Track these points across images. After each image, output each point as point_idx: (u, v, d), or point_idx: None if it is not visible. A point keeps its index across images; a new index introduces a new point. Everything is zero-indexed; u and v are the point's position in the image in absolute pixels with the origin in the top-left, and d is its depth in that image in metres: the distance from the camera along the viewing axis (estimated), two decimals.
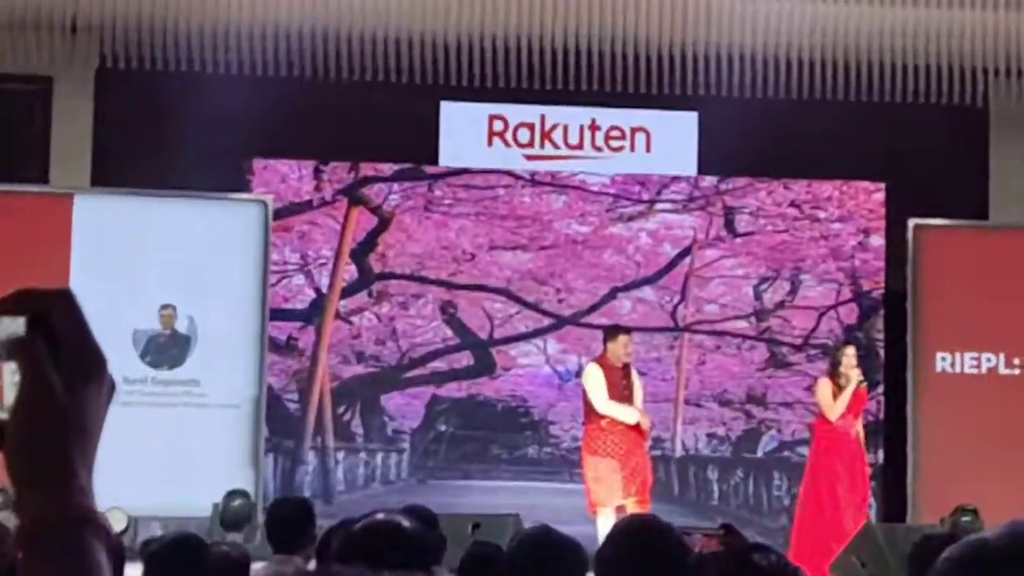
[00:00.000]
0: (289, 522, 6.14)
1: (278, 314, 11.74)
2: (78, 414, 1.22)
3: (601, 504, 9.80)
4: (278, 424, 11.69)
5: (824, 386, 10.19)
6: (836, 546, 9.58)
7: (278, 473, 11.71)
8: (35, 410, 1.21)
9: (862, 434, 10.29)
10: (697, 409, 12.18)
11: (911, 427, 11.50)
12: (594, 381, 9.99)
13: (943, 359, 11.62)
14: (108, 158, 11.64)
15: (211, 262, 11.10)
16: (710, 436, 12.21)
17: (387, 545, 3.23)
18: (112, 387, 1.31)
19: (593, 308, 12.13)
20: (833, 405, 10.04)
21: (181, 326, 11.12)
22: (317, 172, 12.11)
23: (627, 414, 9.91)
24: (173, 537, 5.35)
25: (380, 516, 3.46)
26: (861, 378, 10.12)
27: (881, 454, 11.76)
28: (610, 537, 3.64)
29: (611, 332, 10.31)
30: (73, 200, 11.13)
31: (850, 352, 10.24)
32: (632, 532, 3.64)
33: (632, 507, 9.68)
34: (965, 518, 9.87)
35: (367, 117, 11.77)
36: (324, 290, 12.01)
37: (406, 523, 3.42)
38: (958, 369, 11.62)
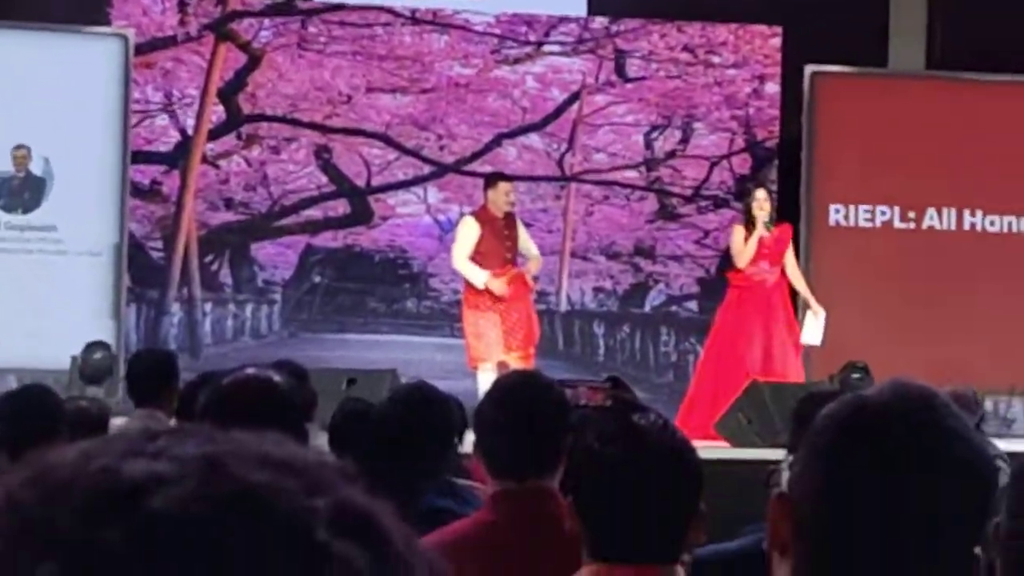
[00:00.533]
0: (151, 375, 6.20)
1: (140, 157, 11.36)
2: None
3: (481, 359, 9.64)
4: (141, 273, 11.38)
5: (736, 232, 9.93)
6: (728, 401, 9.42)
7: (141, 325, 11.41)
8: None
9: (784, 282, 9.98)
10: (583, 262, 12.01)
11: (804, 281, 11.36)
12: (462, 234, 9.81)
13: (837, 211, 11.58)
14: None
15: (68, 100, 10.73)
16: (596, 290, 12.07)
17: (256, 401, 3.12)
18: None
19: (476, 155, 11.85)
20: (743, 250, 9.76)
21: (36, 168, 10.78)
22: (182, 5, 11.61)
23: (476, 276, 9.64)
24: (24, 389, 5.33)
25: (249, 371, 3.38)
26: (767, 219, 9.82)
27: None
28: (488, 394, 3.62)
29: (491, 180, 10.05)
30: None
31: (759, 194, 9.97)
32: (512, 388, 3.61)
33: (515, 362, 9.51)
34: (855, 375, 9.76)
35: None
36: (190, 132, 11.60)
37: (276, 378, 3.31)
38: (852, 222, 11.61)
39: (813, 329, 10.03)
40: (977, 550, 1.66)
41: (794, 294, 10.51)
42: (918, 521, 1.60)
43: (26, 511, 0.71)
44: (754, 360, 9.69)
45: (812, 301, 10.13)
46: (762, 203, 9.85)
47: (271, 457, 0.73)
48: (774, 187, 12.02)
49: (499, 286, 9.65)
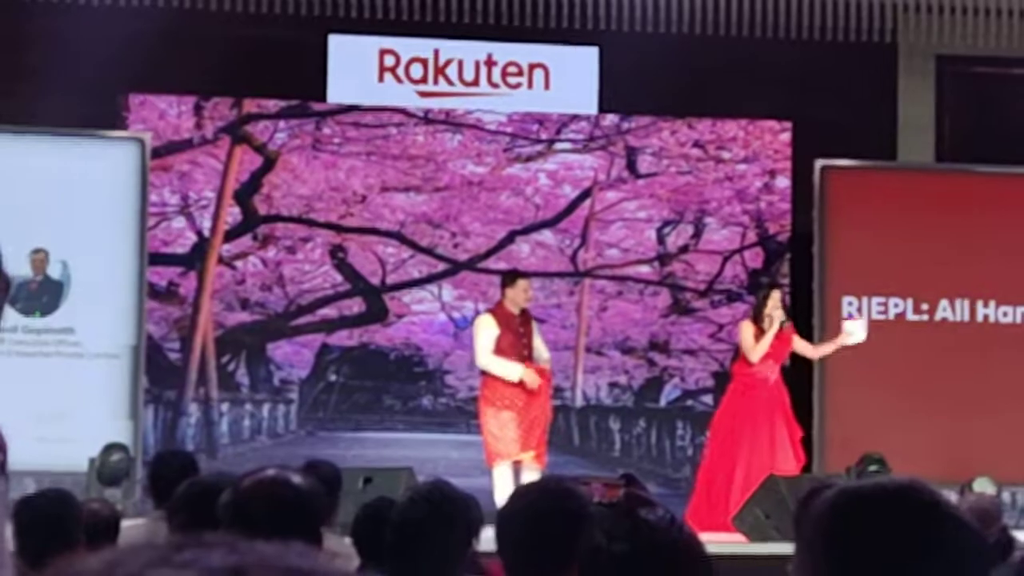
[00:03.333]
0: (171, 478, 6.04)
1: (158, 259, 11.50)
2: None
3: (499, 457, 9.69)
4: (159, 374, 11.49)
5: (746, 328, 10.14)
6: (737, 495, 9.55)
7: (159, 426, 11.50)
8: None
9: (782, 381, 10.21)
10: (598, 357, 12.09)
11: (817, 374, 11.49)
12: (481, 333, 9.89)
13: (850, 304, 11.65)
14: None
15: (85, 204, 10.88)
16: (612, 385, 12.13)
17: (272, 505, 3.17)
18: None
19: (490, 252, 11.98)
20: (755, 347, 9.94)
21: (54, 271, 10.90)
22: (198, 108, 11.82)
23: (509, 370, 9.74)
24: (43, 494, 5.25)
25: (270, 471, 3.39)
26: (784, 318, 10.03)
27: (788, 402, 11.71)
28: (510, 507, 3.64)
29: (509, 277, 10.17)
30: None
31: (775, 295, 10.18)
32: (533, 505, 3.60)
33: (529, 461, 9.62)
34: (872, 467, 9.88)
35: (251, 51, 11.50)
36: (206, 233, 11.76)
37: (295, 479, 3.30)
38: (865, 314, 11.62)
39: (858, 328, 10.18)
40: None
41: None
42: None
43: None
44: (759, 454, 9.83)
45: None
46: (777, 303, 10.05)
47: (296, 570, 0.74)
48: (786, 280, 12.17)
49: (532, 377, 9.78)
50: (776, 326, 9.96)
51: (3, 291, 1.01)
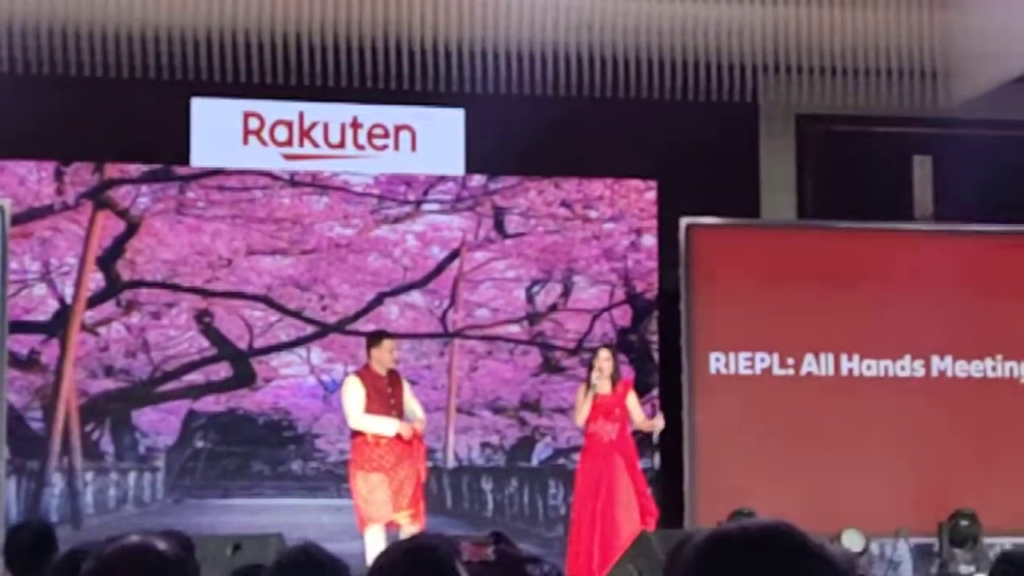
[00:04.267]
0: (27, 549, 5.95)
1: (18, 327, 11.33)
2: None
3: (371, 520, 9.66)
4: (20, 444, 11.29)
5: (580, 391, 10.41)
6: (599, 553, 9.67)
7: (22, 496, 11.30)
8: None
9: (628, 438, 10.31)
10: (470, 417, 12.11)
11: (687, 430, 11.60)
12: (349, 395, 9.93)
13: (717, 360, 11.77)
14: None
15: None
16: (484, 445, 12.15)
17: (137, 572, 3.09)
18: None
19: (359, 314, 11.97)
20: (579, 408, 10.19)
21: None
22: (58, 174, 11.71)
23: (383, 426, 9.77)
24: None
25: (134, 538, 3.34)
26: (610, 375, 10.15)
27: (657, 458, 11.79)
28: (379, 561, 3.49)
29: (374, 338, 10.21)
30: None
31: (602, 355, 10.34)
32: (400, 563, 3.46)
33: (405, 521, 9.61)
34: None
35: (112, 115, 11.41)
36: (68, 300, 11.63)
37: (161, 546, 3.26)
38: (732, 369, 11.78)
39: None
40: None
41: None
42: None
43: None
44: (601, 512, 9.99)
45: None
46: (602, 362, 10.22)
47: None
48: (654, 337, 12.30)
49: (408, 429, 9.82)
50: (590, 392, 10.12)
51: None
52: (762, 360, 11.82)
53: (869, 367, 11.92)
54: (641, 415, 10.42)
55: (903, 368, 11.95)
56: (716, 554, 1.71)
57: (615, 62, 11.83)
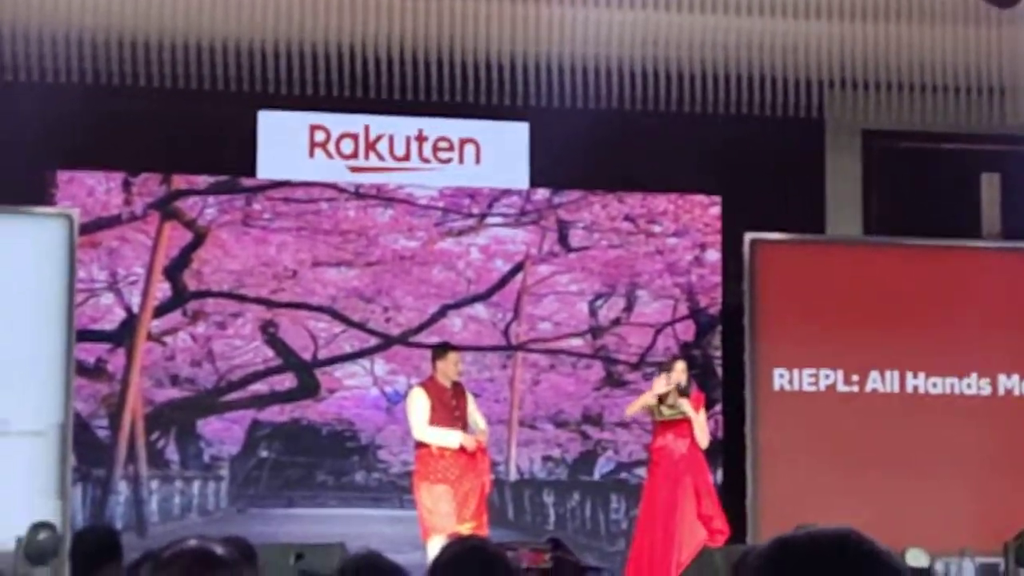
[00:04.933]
0: (93, 554, 5.98)
1: (85, 335, 11.45)
2: None
3: (435, 531, 9.68)
4: (87, 452, 11.40)
5: (652, 390, 10.40)
6: (660, 571, 9.65)
7: (87, 504, 11.40)
8: None
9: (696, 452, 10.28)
10: (532, 431, 12.12)
11: (750, 446, 11.57)
12: (414, 406, 9.94)
13: (781, 376, 11.73)
14: None
15: (12, 280, 10.82)
16: (545, 458, 12.16)
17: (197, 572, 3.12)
18: None
19: (422, 327, 12.02)
20: (634, 404, 10.39)
21: None
22: (127, 184, 11.83)
23: (447, 438, 9.79)
24: None
25: (192, 543, 3.35)
26: (679, 393, 10.19)
27: (720, 474, 11.75)
28: (433, 567, 3.57)
29: (439, 350, 10.23)
30: None
31: (678, 366, 10.31)
32: (459, 558, 3.54)
33: (468, 532, 9.58)
34: None
35: (180, 127, 11.53)
36: (135, 309, 11.73)
37: (219, 550, 3.27)
38: (796, 386, 11.74)
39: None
40: None
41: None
42: None
43: None
44: (664, 529, 9.96)
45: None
46: (679, 374, 10.19)
47: None
48: (718, 352, 12.28)
49: (470, 440, 9.83)
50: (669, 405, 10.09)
51: None
52: (826, 377, 11.77)
53: (935, 385, 11.86)
54: (707, 434, 10.34)
55: (969, 386, 11.88)
56: (783, 560, 1.70)
57: (680, 76, 11.84)
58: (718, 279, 12.35)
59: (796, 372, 11.76)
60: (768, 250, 11.87)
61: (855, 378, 11.80)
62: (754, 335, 11.73)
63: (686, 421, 10.15)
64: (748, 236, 11.82)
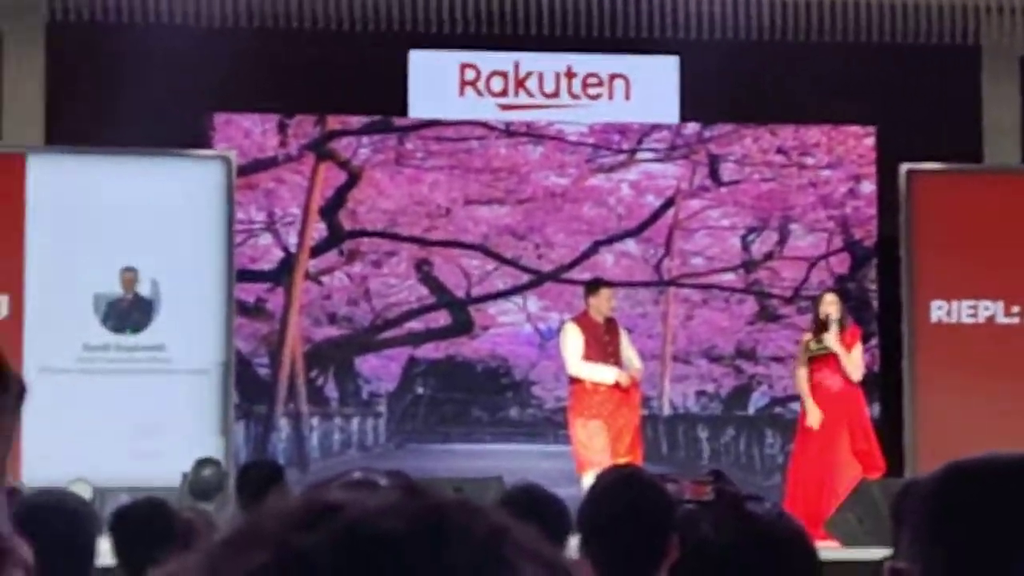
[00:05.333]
0: (259, 485, 6.07)
1: (245, 275, 11.62)
2: None
3: (590, 465, 9.73)
4: (248, 390, 11.60)
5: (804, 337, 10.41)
6: (817, 504, 9.61)
7: (250, 441, 11.60)
8: None
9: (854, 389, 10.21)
10: (685, 366, 12.11)
11: (907, 379, 11.46)
12: (569, 341, 10.00)
13: (939, 308, 11.58)
14: (62, 115, 11.49)
15: (173, 222, 11.01)
16: (699, 394, 12.14)
17: None
18: (22, 391, 1.24)
19: (574, 263, 12.04)
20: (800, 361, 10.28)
21: (144, 289, 11.04)
22: (282, 126, 11.96)
23: (603, 374, 9.84)
24: (139, 504, 5.28)
25: (357, 475, 3.44)
26: (810, 337, 10.17)
27: (877, 407, 11.64)
28: (591, 493, 3.61)
29: (592, 286, 10.27)
30: (26, 159, 10.98)
31: (827, 298, 10.30)
32: (613, 485, 3.60)
33: None
34: None
35: (332, 68, 11.63)
36: (292, 249, 11.88)
37: (382, 481, 3.34)
38: (955, 318, 11.59)
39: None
40: None
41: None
42: None
43: (238, 527, 0.78)
44: (821, 464, 9.91)
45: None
46: (828, 306, 10.14)
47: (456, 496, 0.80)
48: (873, 285, 12.14)
49: (626, 377, 9.89)
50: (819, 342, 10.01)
51: (17, 401, 1.10)
52: (986, 308, 11.60)
53: None
54: (860, 369, 10.25)
55: None
56: (960, 484, 1.61)
57: (832, 5, 11.68)
58: (873, 211, 12.19)
59: (955, 304, 11.59)
60: (925, 181, 11.70)
61: (1015, 309, 11.61)
62: (911, 267, 11.59)
63: (836, 356, 10.08)
64: (904, 167, 11.66)
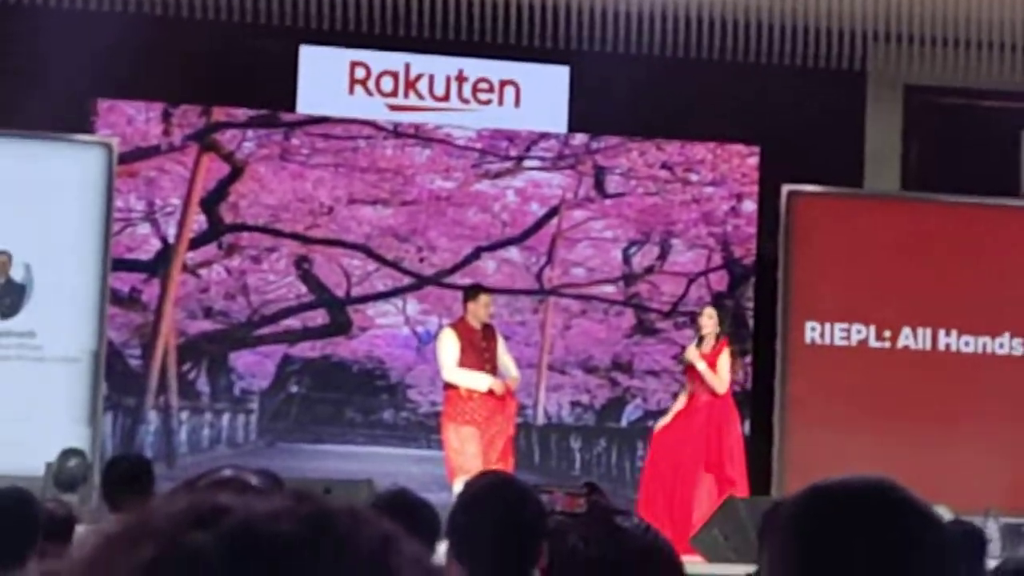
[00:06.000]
0: (125, 481, 5.99)
1: (121, 264, 11.49)
2: None
3: (461, 471, 9.72)
4: (118, 380, 11.47)
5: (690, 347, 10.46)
6: (672, 516, 9.69)
7: (117, 432, 11.48)
8: None
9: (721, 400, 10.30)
10: (561, 376, 12.14)
11: (778, 398, 11.57)
12: (444, 347, 10.00)
13: (813, 329, 11.71)
14: None
15: (50, 207, 10.87)
16: (574, 404, 12.19)
17: None
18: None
19: (456, 268, 12.03)
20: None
21: (16, 274, 10.88)
22: (166, 115, 11.84)
23: (476, 381, 9.84)
24: (3, 491, 5.19)
25: (227, 472, 3.39)
26: (716, 334, 10.24)
27: (748, 425, 11.73)
28: (461, 497, 3.62)
29: (471, 292, 10.28)
30: None
31: (707, 312, 10.40)
32: (486, 491, 3.62)
33: None
34: None
35: (221, 60, 11.52)
36: (171, 240, 11.77)
37: (253, 480, 3.29)
38: (828, 340, 11.73)
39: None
40: None
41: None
42: None
43: (125, 523, 0.79)
44: (678, 473, 10.00)
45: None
46: (705, 320, 10.28)
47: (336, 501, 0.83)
48: (750, 304, 12.25)
49: (500, 385, 9.89)
50: (702, 346, 10.17)
51: None
52: (858, 332, 11.74)
53: (967, 343, 11.82)
54: (726, 378, 10.28)
55: (1002, 346, 11.84)
56: (817, 506, 1.71)
57: (723, 24, 11.75)
58: (753, 230, 12.30)
59: (828, 326, 11.73)
60: (805, 202, 11.82)
61: (887, 334, 11.76)
62: (788, 288, 11.70)
63: (711, 366, 10.16)
64: (785, 188, 11.78)
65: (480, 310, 10.06)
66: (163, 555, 0.75)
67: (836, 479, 1.75)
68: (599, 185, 12.30)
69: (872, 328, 11.75)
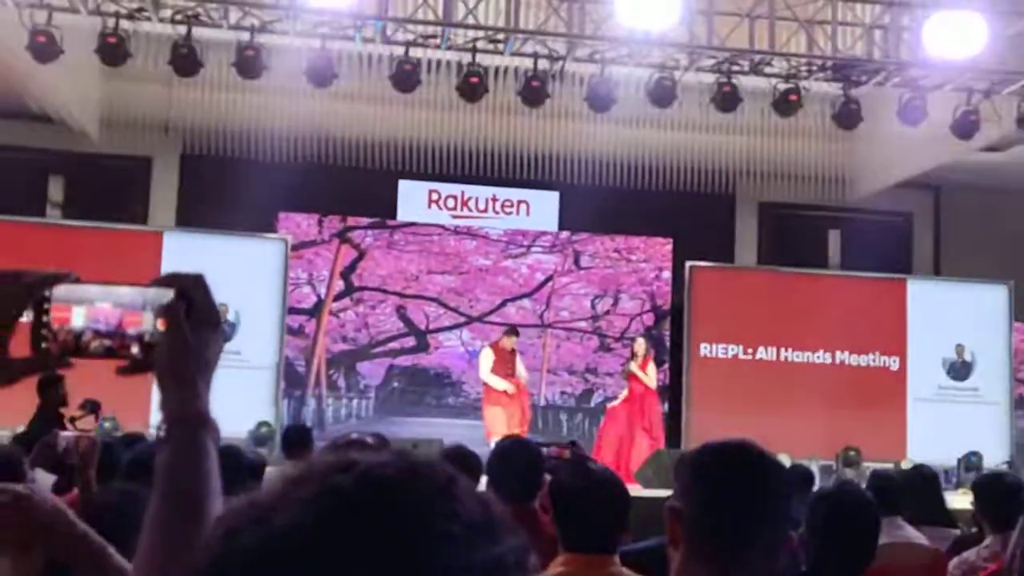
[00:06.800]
0: (295, 440, 6.02)
1: (293, 311, 11.51)
2: (201, 352, 1.18)
3: (493, 434, 9.72)
4: (291, 380, 11.46)
5: (628, 364, 10.42)
6: (621, 463, 9.61)
7: (290, 411, 11.43)
8: (175, 348, 1.16)
9: (649, 394, 10.26)
10: (555, 376, 12.12)
11: (685, 391, 11.52)
12: (483, 360, 9.99)
13: (705, 348, 11.67)
14: (189, 208, 11.36)
15: (251, 276, 10.83)
16: (562, 393, 12.15)
17: (356, 451, 3.14)
18: (225, 337, 1.24)
19: (491, 311, 12.01)
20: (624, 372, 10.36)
21: (231, 317, 10.82)
22: (320, 222, 11.87)
23: (499, 384, 9.84)
24: (224, 447, 5.16)
25: (354, 435, 3.44)
26: (642, 353, 10.18)
27: (666, 406, 11.73)
28: (494, 451, 3.65)
29: (509, 330, 10.31)
30: (163, 236, 10.81)
31: (639, 340, 10.37)
32: (508, 448, 3.62)
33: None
34: None
35: (352, 188, 11.59)
36: (322, 297, 11.79)
37: (368, 439, 3.36)
38: (715, 354, 11.67)
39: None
40: (793, 533, 1.65)
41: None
42: (750, 514, 1.61)
43: (297, 469, 0.73)
44: (621, 437, 9.95)
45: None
46: (638, 346, 10.27)
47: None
48: (667, 332, 12.23)
49: (512, 387, 9.85)
50: (630, 363, 10.16)
51: (222, 341, 1.15)
52: (732, 349, 11.72)
53: (798, 356, 11.79)
54: (653, 378, 10.31)
55: (819, 357, 11.80)
56: (706, 456, 1.67)
57: (651, 165, 11.77)
58: (669, 288, 12.30)
59: (715, 346, 11.70)
60: (699, 272, 11.82)
61: (750, 351, 11.73)
62: (689, 323, 11.68)
63: (643, 370, 10.18)
64: (688, 263, 11.78)
65: (510, 341, 10.09)
66: (320, 490, 0.70)
67: (718, 440, 1.70)
68: (576, 262, 12.33)
69: (741, 347, 11.72)
